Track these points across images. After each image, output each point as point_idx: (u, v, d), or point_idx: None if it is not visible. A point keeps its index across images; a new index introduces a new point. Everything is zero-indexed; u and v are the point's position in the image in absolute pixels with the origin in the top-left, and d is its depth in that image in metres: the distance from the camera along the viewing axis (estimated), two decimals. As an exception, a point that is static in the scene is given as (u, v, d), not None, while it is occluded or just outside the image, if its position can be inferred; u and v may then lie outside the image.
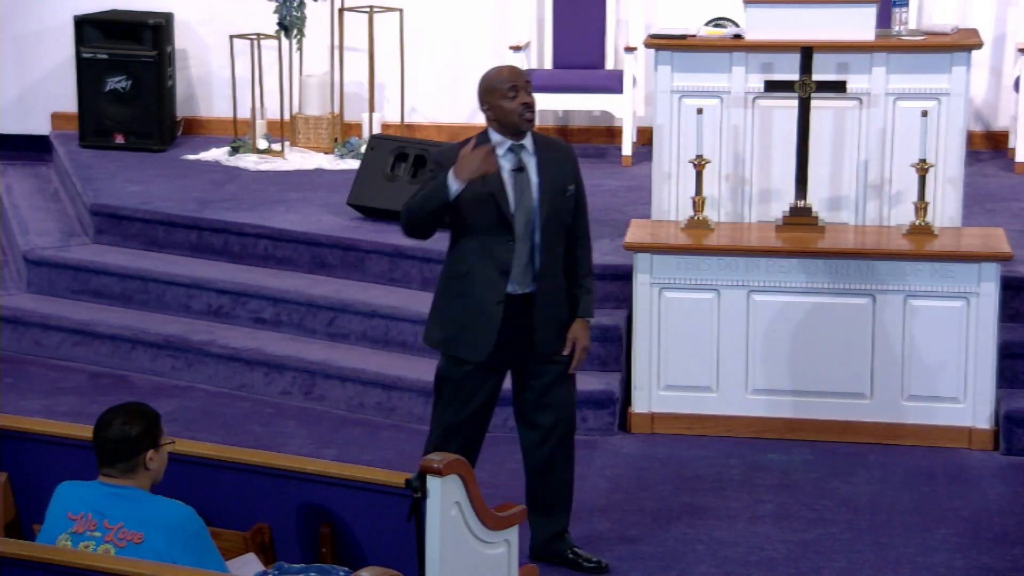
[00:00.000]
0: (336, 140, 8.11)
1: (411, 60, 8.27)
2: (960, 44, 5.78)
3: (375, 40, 8.08)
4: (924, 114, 5.68)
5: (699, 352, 5.72)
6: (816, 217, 5.81)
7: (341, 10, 8.18)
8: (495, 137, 4.43)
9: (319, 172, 7.79)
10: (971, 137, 7.03)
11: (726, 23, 6.15)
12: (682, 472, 5.44)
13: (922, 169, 5.64)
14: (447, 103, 8.44)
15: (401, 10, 8.13)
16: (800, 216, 5.79)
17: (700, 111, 5.85)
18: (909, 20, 6.08)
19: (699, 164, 5.83)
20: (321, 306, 6.36)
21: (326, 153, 8.04)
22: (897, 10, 5.94)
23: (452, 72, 8.41)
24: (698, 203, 5.86)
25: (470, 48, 8.36)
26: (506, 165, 4.44)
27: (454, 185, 4.32)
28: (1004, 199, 6.94)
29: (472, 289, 4.45)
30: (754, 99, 5.93)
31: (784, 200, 5.90)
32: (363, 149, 7.42)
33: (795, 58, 5.72)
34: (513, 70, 4.43)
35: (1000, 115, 7.86)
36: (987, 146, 7.88)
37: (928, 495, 5.17)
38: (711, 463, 5.50)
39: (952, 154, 5.80)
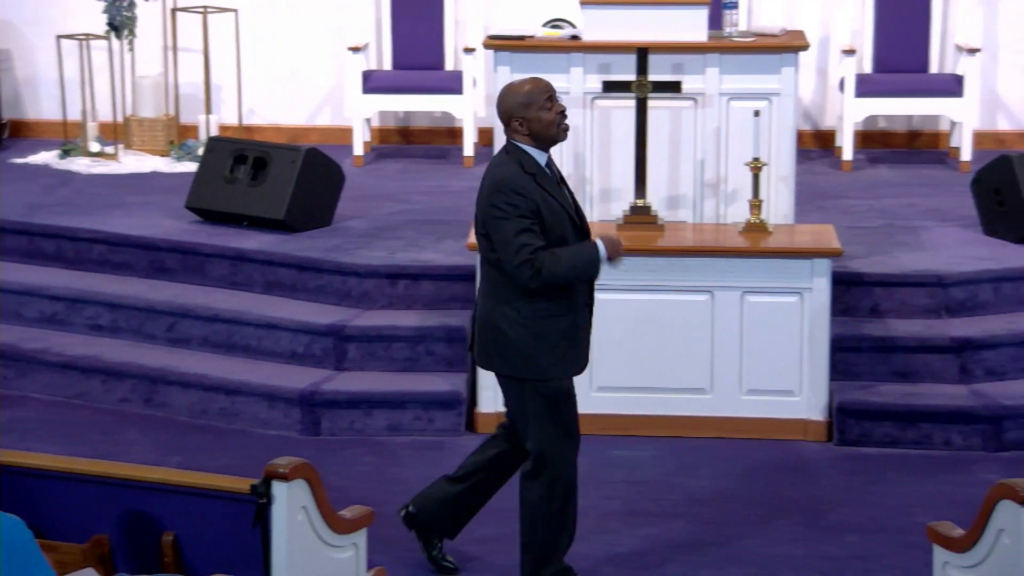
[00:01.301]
0: (172, 142, 7.95)
1: (248, 61, 8.16)
2: (788, 45, 5.94)
3: (210, 41, 7.94)
4: (756, 114, 5.82)
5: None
6: (655, 216, 5.90)
7: (174, 10, 8.03)
8: (532, 151, 4.29)
9: (155, 175, 7.62)
10: (801, 136, 7.25)
11: (564, 24, 6.21)
12: (529, 470, 5.46)
13: (756, 168, 5.78)
14: (286, 104, 8.35)
15: (236, 11, 8.01)
16: (640, 215, 5.88)
17: (541, 112, 5.87)
18: (739, 22, 6.22)
19: (541, 164, 5.86)
20: (161, 311, 6.23)
21: (162, 156, 7.88)
22: (728, 12, 6.08)
23: (291, 73, 8.32)
24: (540, 203, 5.89)
25: (308, 49, 8.28)
26: (550, 174, 4.34)
27: (607, 265, 4.30)
28: (834, 196, 7.16)
29: (574, 303, 4.34)
30: (593, 99, 6.00)
31: (624, 199, 5.98)
32: (201, 151, 7.29)
33: (632, 59, 5.80)
34: (543, 80, 4.32)
35: (827, 115, 8.11)
36: (816, 145, 8.13)
37: (768, 487, 5.29)
38: (558, 461, 5.53)
39: (784, 153, 5.96)
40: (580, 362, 4.39)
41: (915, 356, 5.76)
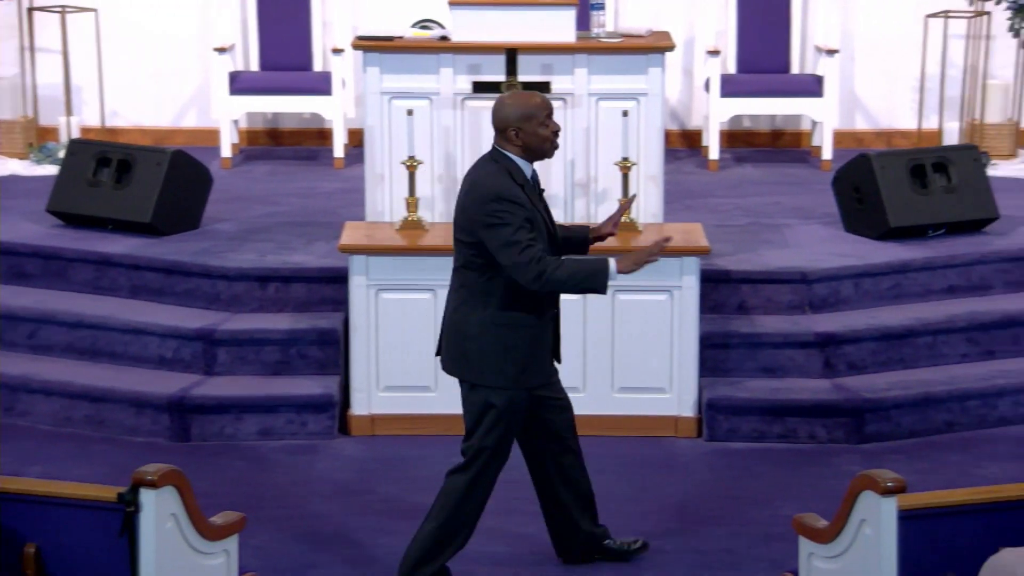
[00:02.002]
0: (31, 145, 7.75)
1: (110, 62, 8.00)
2: (655, 46, 6.02)
3: (69, 41, 7.77)
4: (625, 114, 5.89)
5: (417, 352, 5.74)
6: (527, 216, 5.92)
7: (30, 9, 7.83)
8: (519, 162, 4.33)
9: (14, 179, 7.43)
10: (668, 136, 7.35)
11: (433, 25, 6.20)
12: (405, 472, 5.45)
13: (625, 167, 5.84)
14: (151, 106, 8.20)
15: (96, 10, 7.85)
16: (511, 215, 5.89)
17: (410, 112, 5.88)
18: (606, 23, 6.29)
19: (411, 165, 5.86)
20: (22, 318, 6.07)
21: (20, 159, 7.68)
22: (595, 13, 6.13)
23: (155, 74, 8.18)
24: (411, 204, 5.89)
25: (173, 49, 8.15)
26: (535, 190, 4.38)
27: (613, 280, 4.27)
28: (701, 195, 7.27)
29: (543, 316, 4.37)
30: (463, 100, 6.01)
31: (495, 199, 5.99)
32: (61, 154, 7.12)
33: (501, 59, 5.83)
34: (544, 97, 4.37)
35: (694, 114, 8.23)
36: (684, 144, 8.25)
37: (641, 483, 5.35)
38: (433, 462, 5.53)
39: (652, 152, 6.03)
40: (544, 373, 4.44)
41: (781, 351, 5.88)
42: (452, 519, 4.45)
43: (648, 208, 6.06)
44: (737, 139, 8.25)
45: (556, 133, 4.37)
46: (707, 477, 5.42)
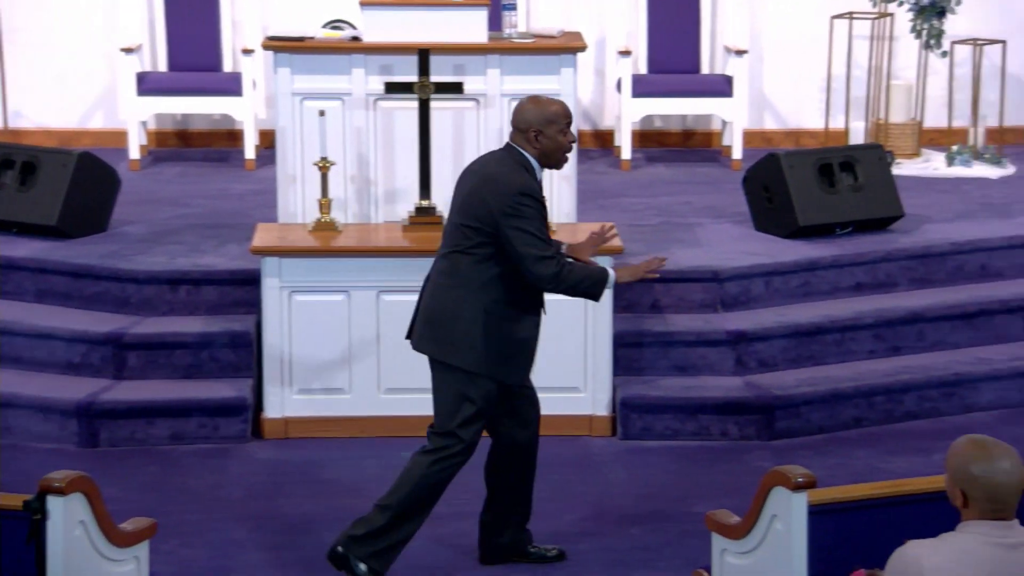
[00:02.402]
0: (-67, 147, 7.58)
1: (12, 62, 7.86)
2: (566, 47, 6.05)
3: (-29, 40, 7.62)
4: (538, 115, 5.90)
5: (331, 354, 5.72)
6: (441, 216, 5.92)
7: (-69, 8, 7.67)
8: (534, 163, 4.39)
9: (-85, 181, 7.25)
10: (581, 136, 7.39)
11: (344, 25, 6.17)
12: (319, 475, 5.42)
13: (538, 168, 5.86)
14: (56, 107, 8.07)
15: None
16: (425, 215, 5.89)
17: (322, 113, 5.85)
18: (518, 23, 6.30)
19: (323, 166, 5.83)
20: (-77, 324, 5.94)
21: (-78, 161, 7.50)
22: (507, 13, 6.14)
23: (60, 75, 8.05)
24: (324, 205, 5.86)
25: (78, 50, 8.02)
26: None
27: (611, 288, 4.40)
28: (614, 195, 7.32)
29: (538, 314, 4.43)
30: (375, 101, 5.99)
31: (409, 200, 5.98)
32: (-35, 156, 6.96)
33: (413, 60, 5.81)
34: (566, 106, 4.43)
35: (606, 114, 8.28)
36: (596, 144, 8.30)
37: (557, 483, 5.37)
38: (347, 464, 5.51)
39: (565, 153, 6.05)
40: (527, 369, 4.49)
41: (693, 350, 5.94)
42: (407, 501, 4.45)
43: (561, 208, 6.08)
44: (649, 139, 8.32)
45: (572, 143, 4.43)
46: (621, 476, 5.46)
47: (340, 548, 4.46)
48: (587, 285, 4.37)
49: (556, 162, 4.43)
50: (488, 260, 4.36)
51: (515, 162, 4.37)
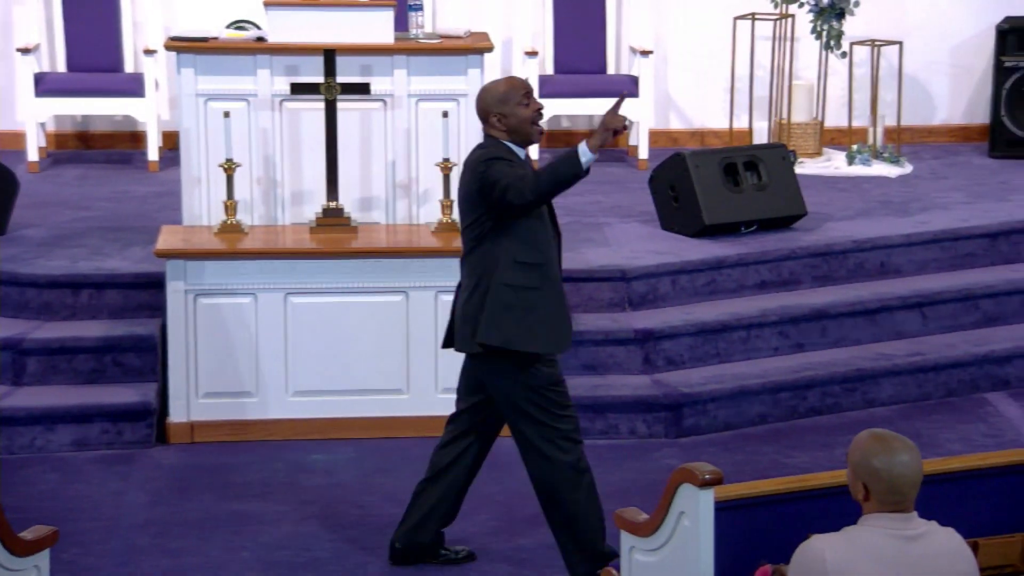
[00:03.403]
0: None
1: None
2: (473, 47, 6.05)
3: None
4: (445, 115, 5.90)
5: (238, 357, 5.66)
6: (348, 218, 5.90)
7: None
8: (511, 146, 4.33)
9: None
10: (489, 137, 7.38)
11: (248, 26, 6.12)
12: (226, 480, 5.36)
13: (446, 168, 5.86)
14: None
15: None
16: (333, 217, 5.86)
17: (227, 114, 5.79)
18: (425, 24, 6.29)
19: (229, 168, 5.77)
20: None
21: None
22: (413, 14, 6.13)
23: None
24: (230, 207, 5.80)
25: (-26, 49, 7.86)
26: (527, 166, 4.36)
27: (586, 156, 4.19)
28: (522, 195, 7.33)
29: (547, 274, 4.35)
30: (281, 102, 5.94)
31: (317, 202, 5.94)
32: None
33: (319, 60, 5.78)
34: (521, 78, 4.38)
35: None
36: (504, 146, 8.30)
37: (465, 481, 5.36)
38: (255, 468, 5.46)
39: (472, 154, 6.05)
40: (557, 342, 4.39)
41: (601, 348, 5.97)
42: (571, 513, 4.42)
43: (469, 209, 6.08)
44: (556, 139, 8.34)
45: (539, 112, 4.36)
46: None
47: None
48: (562, 169, 4.23)
49: (528, 134, 4.36)
50: (491, 244, 4.32)
51: (487, 148, 4.35)
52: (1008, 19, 7.98)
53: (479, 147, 4.42)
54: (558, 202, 7.24)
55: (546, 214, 4.44)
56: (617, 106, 4.29)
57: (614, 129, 4.25)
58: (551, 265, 4.41)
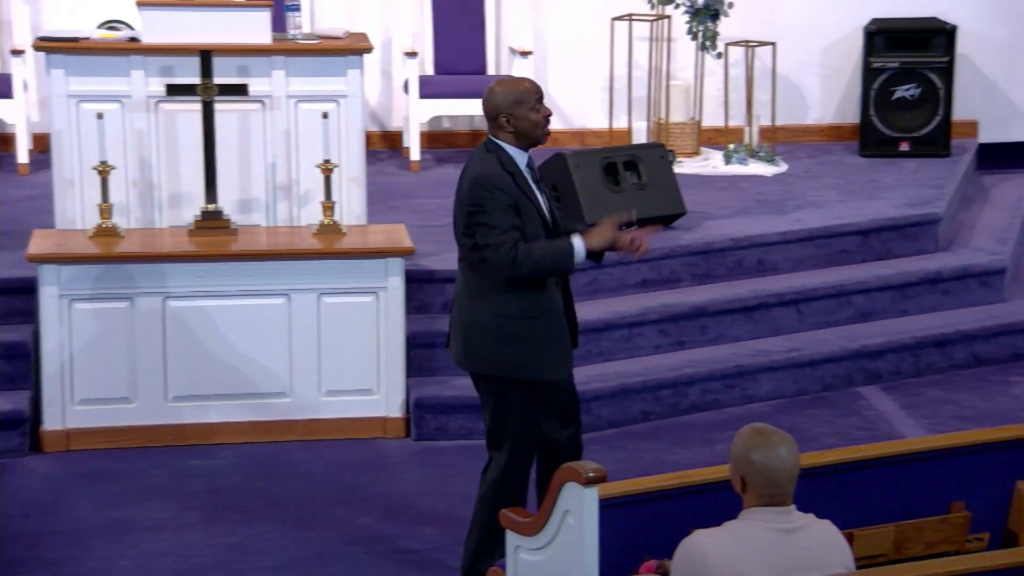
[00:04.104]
0: None
1: None
2: (352, 48, 6.02)
3: None
4: (325, 116, 5.86)
5: (115, 363, 5.56)
6: (228, 220, 5.83)
7: None
8: (512, 150, 4.30)
9: None
10: (370, 137, 7.35)
11: (121, 26, 6.01)
12: (103, 488, 5.27)
13: (326, 169, 5.82)
14: None
15: None
16: (212, 220, 5.79)
17: (100, 116, 5.68)
18: (303, 24, 6.24)
19: (103, 170, 5.67)
20: None
21: None
22: (291, 14, 6.08)
23: None
24: (105, 210, 5.70)
25: None
26: (529, 177, 4.32)
27: (580, 257, 4.24)
28: (404, 196, 7.32)
29: (550, 307, 4.30)
30: (157, 103, 5.85)
31: (195, 204, 5.86)
32: None
33: (195, 61, 5.70)
34: (533, 82, 4.35)
35: (394, 116, 8.27)
36: (385, 146, 8.28)
37: (350, 486, 5.34)
38: (134, 475, 5.37)
39: (354, 154, 6.03)
40: (558, 365, 4.35)
41: (485, 348, 5.98)
42: (493, 518, 4.29)
43: (351, 210, 6.05)
44: (438, 140, 8.34)
45: (547, 118, 4.34)
46: (415, 476, 5.46)
47: None
48: (550, 262, 4.25)
49: (535, 139, 4.34)
50: (484, 263, 4.28)
51: (488, 155, 4.31)
52: (875, 21, 8.18)
53: (482, 151, 4.35)
54: (440, 203, 7.27)
55: (540, 221, 4.36)
56: (629, 226, 4.36)
57: (613, 247, 4.33)
58: (547, 287, 4.36)
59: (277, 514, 5.10)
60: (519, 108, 4.31)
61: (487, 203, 4.23)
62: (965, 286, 6.75)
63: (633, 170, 6.75)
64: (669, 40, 8.12)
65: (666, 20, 8.05)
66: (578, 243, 4.28)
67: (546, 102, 4.42)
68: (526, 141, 4.35)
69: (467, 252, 4.34)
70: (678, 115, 8.09)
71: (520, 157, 4.35)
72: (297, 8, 6.11)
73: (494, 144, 4.34)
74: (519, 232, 4.24)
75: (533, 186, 4.36)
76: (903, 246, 6.91)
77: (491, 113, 4.34)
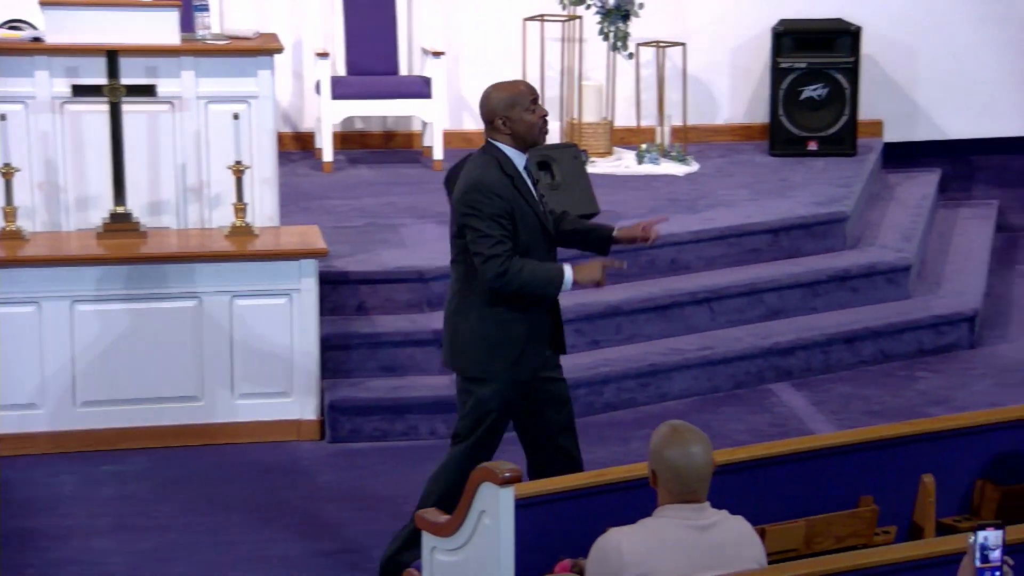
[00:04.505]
0: None
1: None
2: (263, 48, 5.97)
3: None
4: (236, 117, 5.81)
5: (21, 368, 5.47)
6: (137, 222, 5.75)
7: None
8: (510, 152, 4.28)
9: None
10: (282, 138, 7.30)
11: (23, 25, 5.90)
12: (9, 495, 5.17)
13: (238, 171, 5.76)
14: None
15: None
16: (120, 222, 5.71)
17: (3, 117, 5.58)
18: (212, 24, 6.18)
19: (7, 173, 5.57)
20: None
21: None
22: (199, 15, 6.01)
23: None
24: (9, 213, 5.60)
25: None
26: (527, 179, 4.31)
27: (567, 287, 4.24)
28: (317, 197, 7.28)
29: (534, 311, 4.30)
30: (62, 104, 5.75)
31: (103, 207, 5.78)
32: None
33: (101, 62, 5.62)
34: (528, 83, 4.36)
35: (306, 117, 8.22)
36: (297, 147, 8.22)
37: (264, 490, 5.30)
38: (41, 483, 5.28)
39: (265, 155, 5.98)
40: (532, 365, 4.34)
41: (401, 350, 5.97)
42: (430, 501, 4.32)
43: (263, 212, 6.00)
44: (350, 141, 8.30)
45: (544, 118, 4.33)
46: (331, 478, 5.43)
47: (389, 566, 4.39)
48: (537, 285, 4.26)
49: (533, 140, 4.34)
50: (473, 264, 4.28)
51: (486, 157, 4.30)
52: (783, 21, 8.28)
53: (479, 154, 4.34)
54: (353, 204, 7.23)
55: (538, 225, 4.34)
56: (609, 266, 4.35)
57: (596, 282, 4.33)
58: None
59: (189, 519, 5.05)
60: (514, 110, 4.33)
61: (482, 208, 4.25)
62: (872, 283, 6.86)
63: (547, 170, 6.77)
64: (581, 40, 8.16)
65: (577, 21, 8.09)
66: (568, 273, 4.30)
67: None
68: (524, 142, 4.37)
69: (458, 252, 4.36)
70: (591, 115, 8.13)
71: (519, 159, 4.36)
72: (206, 8, 6.05)
73: (492, 146, 4.35)
74: (511, 243, 4.26)
75: (532, 188, 4.38)
76: (812, 244, 7.01)
77: (487, 117, 4.36)
